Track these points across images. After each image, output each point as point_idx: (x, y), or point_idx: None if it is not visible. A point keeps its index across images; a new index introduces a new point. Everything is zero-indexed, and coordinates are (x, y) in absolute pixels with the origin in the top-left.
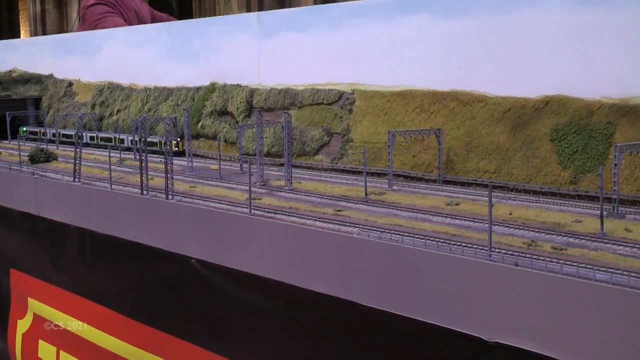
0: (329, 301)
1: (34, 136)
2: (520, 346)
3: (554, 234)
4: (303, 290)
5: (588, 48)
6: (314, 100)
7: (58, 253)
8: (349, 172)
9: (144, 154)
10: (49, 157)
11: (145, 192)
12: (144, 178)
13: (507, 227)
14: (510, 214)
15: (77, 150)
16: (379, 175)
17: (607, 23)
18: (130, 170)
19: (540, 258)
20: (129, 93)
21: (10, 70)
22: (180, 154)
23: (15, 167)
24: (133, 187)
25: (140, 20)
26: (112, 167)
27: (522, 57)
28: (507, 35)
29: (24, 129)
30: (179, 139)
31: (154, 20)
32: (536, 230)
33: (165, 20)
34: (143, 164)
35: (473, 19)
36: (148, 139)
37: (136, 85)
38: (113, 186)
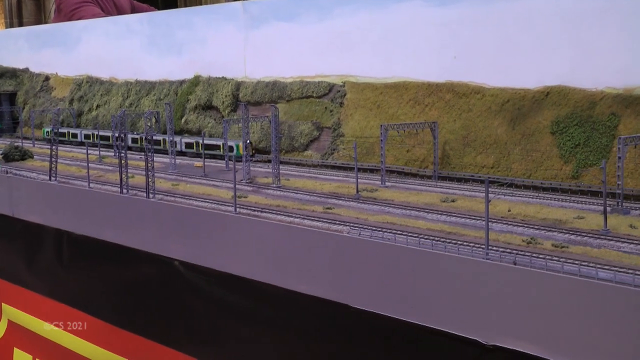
0: (318, 303)
1: (61, 138)
2: (519, 349)
3: (555, 231)
4: (291, 292)
5: (590, 35)
6: (303, 93)
7: (34, 256)
8: (339, 168)
9: (123, 151)
10: (24, 155)
11: (125, 190)
12: (123, 176)
13: (505, 224)
14: (509, 210)
15: (53, 147)
16: (371, 171)
17: (610, 9)
18: (110, 167)
19: (541, 256)
20: (109, 87)
21: None
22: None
23: None
24: (112, 185)
25: (119, 11)
26: (90, 164)
27: (521, 46)
28: (505, 23)
29: (46, 129)
30: (249, 142)
31: (133, 10)
32: (536, 227)
33: (146, 11)
34: (122, 162)
35: (469, 6)
36: (206, 142)
37: (116, 79)
38: (91, 185)
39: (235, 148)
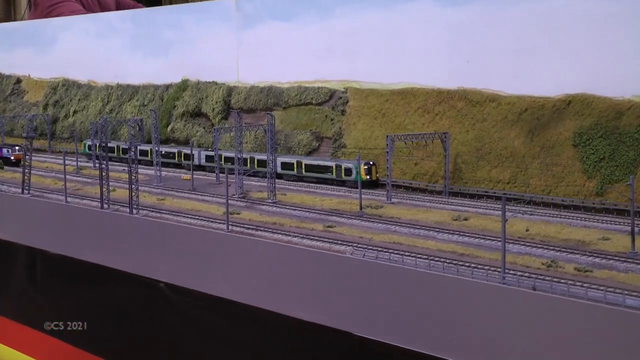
0: (318, 331)
1: (111, 154)
2: None
3: (578, 254)
4: (289, 318)
5: (616, 40)
6: (301, 100)
7: (3, 277)
8: (341, 182)
9: (104, 161)
10: None
11: (105, 205)
12: (104, 189)
13: (523, 245)
14: (527, 230)
15: (27, 157)
16: (376, 185)
17: (638, 10)
18: (89, 180)
19: (562, 281)
20: (87, 91)
21: None
22: (372, 184)
23: None
24: (92, 199)
25: (103, 7)
26: (67, 176)
27: (541, 50)
28: (523, 25)
29: (87, 143)
30: (371, 163)
31: (118, 7)
32: (557, 249)
33: (132, 8)
34: (103, 173)
35: (484, 6)
36: (311, 162)
37: (96, 82)
38: (69, 199)
39: (353, 171)
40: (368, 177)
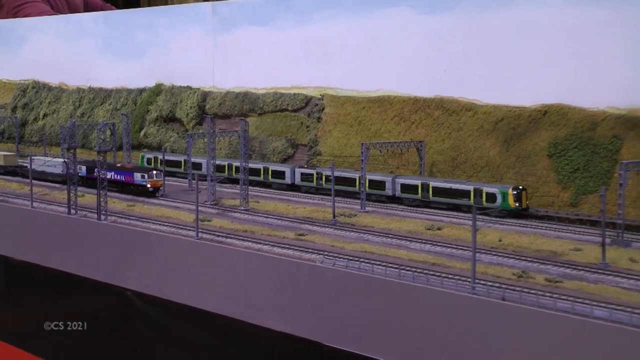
0: (288, 341)
1: (170, 168)
2: None
3: (549, 264)
4: (258, 327)
5: (592, 51)
6: (277, 106)
7: None
8: (315, 190)
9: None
10: None
11: (73, 211)
12: (72, 195)
13: (495, 255)
14: (500, 240)
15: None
16: (350, 194)
17: (614, 22)
18: (57, 185)
19: (532, 291)
20: (58, 94)
21: None
22: (521, 214)
23: None
24: (59, 205)
25: (71, 8)
26: (34, 181)
27: (518, 60)
28: (501, 35)
29: (145, 156)
30: (521, 188)
31: (87, 8)
32: (529, 259)
33: (101, 9)
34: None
35: (461, 15)
36: (441, 185)
37: (67, 85)
38: (34, 204)
39: (500, 197)
40: (517, 204)
